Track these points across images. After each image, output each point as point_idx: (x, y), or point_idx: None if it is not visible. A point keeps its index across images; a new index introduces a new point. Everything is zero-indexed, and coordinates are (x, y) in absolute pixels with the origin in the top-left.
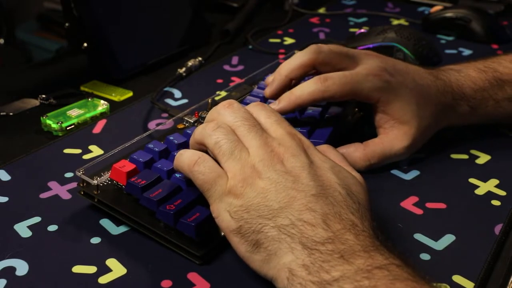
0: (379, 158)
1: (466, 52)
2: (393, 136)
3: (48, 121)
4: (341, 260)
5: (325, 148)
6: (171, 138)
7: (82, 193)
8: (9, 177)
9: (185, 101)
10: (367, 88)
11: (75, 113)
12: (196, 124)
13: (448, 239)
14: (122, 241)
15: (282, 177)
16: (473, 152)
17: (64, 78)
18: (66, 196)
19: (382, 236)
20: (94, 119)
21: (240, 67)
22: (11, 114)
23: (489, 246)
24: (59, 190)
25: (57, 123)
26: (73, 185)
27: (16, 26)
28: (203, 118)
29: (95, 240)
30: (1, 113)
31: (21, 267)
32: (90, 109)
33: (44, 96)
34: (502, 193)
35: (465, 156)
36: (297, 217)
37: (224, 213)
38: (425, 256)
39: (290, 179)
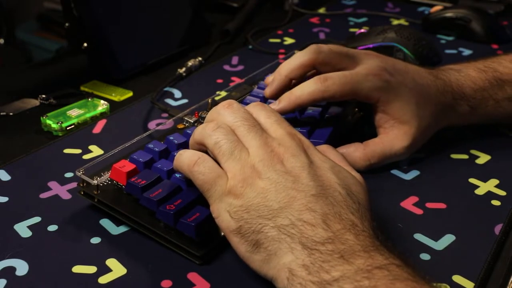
0: (379, 158)
1: (466, 52)
2: (393, 136)
3: (48, 121)
4: (341, 260)
5: (325, 148)
6: (171, 138)
7: (82, 193)
8: (9, 177)
9: (185, 101)
10: (367, 88)
11: (75, 113)
12: (196, 124)
13: (448, 239)
14: (122, 241)
15: (282, 177)
16: (473, 152)
17: (64, 78)
18: (66, 196)
19: (382, 236)
20: (94, 119)
21: (240, 67)
22: (11, 114)
23: (489, 246)
24: (59, 190)
25: (57, 123)
26: (73, 185)
27: (16, 26)
28: (203, 118)
29: (95, 240)
30: (1, 113)
31: (21, 267)
32: (90, 109)
33: (44, 96)
34: (502, 193)
35: (465, 156)
36: (297, 217)
37: (224, 213)
38: (425, 256)
39: (290, 179)
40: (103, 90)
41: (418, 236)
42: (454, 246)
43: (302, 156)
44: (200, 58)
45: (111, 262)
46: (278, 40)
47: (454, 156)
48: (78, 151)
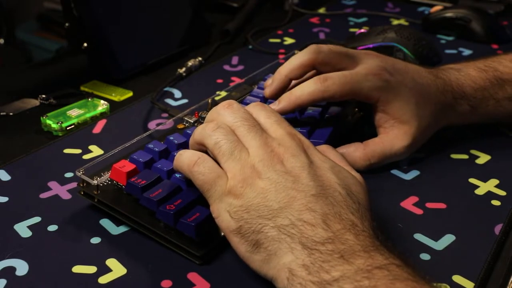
0: (379, 158)
1: (466, 52)
2: (393, 135)
3: (48, 121)
4: (341, 260)
5: (325, 148)
6: (171, 138)
7: (82, 193)
8: (9, 177)
9: (185, 101)
10: (366, 88)
11: (75, 113)
12: (196, 124)
13: (448, 239)
14: (122, 241)
15: (282, 177)
16: (473, 152)
17: (64, 78)
18: (66, 196)
19: (382, 236)
20: (94, 119)
21: (240, 67)
22: (11, 114)
23: (489, 246)
24: (59, 190)
25: (57, 123)
26: (73, 185)
27: (16, 26)
28: (203, 118)
29: (95, 240)
30: (1, 113)
31: (21, 267)
32: (90, 109)
33: (44, 96)
34: (502, 193)
35: (465, 156)
36: (297, 217)
37: (224, 213)
38: (425, 256)
39: (290, 179)
40: (103, 90)
41: (418, 236)
42: (454, 246)
43: (302, 156)
44: (200, 58)
45: (111, 262)
46: (278, 40)
47: (454, 156)
48: (78, 151)
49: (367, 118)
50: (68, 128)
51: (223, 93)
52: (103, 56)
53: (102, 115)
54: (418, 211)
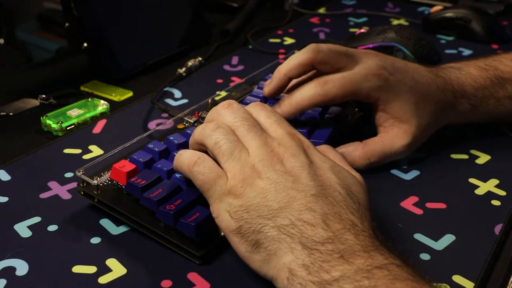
0: (379, 157)
1: (466, 52)
2: (393, 134)
3: (48, 121)
4: (341, 260)
5: (325, 148)
6: (171, 138)
7: (82, 193)
8: (9, 177)
9: (185, 101)
10: (366, 88)
11: (75, 113)
12: (196, 124)
13: (448, 239)
14: (122, 241)
15: (282, 177)
16: (473, 152)
17: (64, 78)
18: (66, 196)
19: (382, 236)
20: (94, 119)
21: (240, 67)
22: (11, 114)
23: (489, 246)
24: (59, 190)
25: (57, 123)
26: (73, 185)
27: (16, 26)
28: (203, 118)
29: (95, 240)
30: (1, 113)
31: (21, 267)
32: (90, 109)
33: (44, 96)
34: (502, 193)
35: (465, 156)
36: (297, 217)
37: (224, 213)
38: (425, 256)
39: (290, 179)
40: (103, 90)
41: (418, 236)
42: (454, 246)
43: (302, 156)
44: (200, 58)
45: (111, 262)
46: (278, 40)
47: (454, 156)
48: (78, 151)
49: (367, 118)
50: (68, 128)
51: (223, 93)
52: (103, 56)
53: (102, 115)
54: (418, 211)
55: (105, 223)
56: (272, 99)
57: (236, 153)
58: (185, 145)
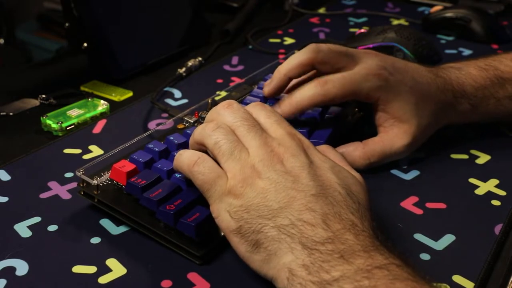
0: (379, 157)
1: (466, 52)
2: (393, 134)
3: (48, 121)
4: (341, 260)
5: (325, 148)
6: (171, 138)
7: (82, 193)
8: (9, 177)
9: (185, 101)
10: (366, 88)
11: (75, 113)
12: (196, 124)
13: (448, 239)
14: (122, 241)
15: (282, 177)
16: (473, 152)
17: (64, 78)
18: (66, 196)
19: (382, 236)
20: (94, 119)
21: (240, 67)
22: (11, 114)
23: (489, 246)
24: (59, 190)
25: (57, 123)
26: (73, 185)
27: (16, 26)
28: (203, 118)
29: (95, 240)
30: (1, 113)
31: (21, 267)
32: (90, 109)
33: (44, 96)
34: (502, 193)
35: (465, 156)
36: (297, 217)
37: (224, 213)
38: (425, 256)
39: (290, 179)
40: (103, 90)
41: (418, 236)
42: (454, 246)
43: (302, 156)
44: (200, 58)
45: (111, 262)
46: (278, 40)
47: (454, 156)
48: (78, 151)
49: (367, 118)
50: (68, 128)
51: (223, 93)
52: (103, 56)
53: (102, 115)
54: (418, 211)
55: (105, 223)
56: (272, 99)
57: (236, 153)
58: (185, 145)
